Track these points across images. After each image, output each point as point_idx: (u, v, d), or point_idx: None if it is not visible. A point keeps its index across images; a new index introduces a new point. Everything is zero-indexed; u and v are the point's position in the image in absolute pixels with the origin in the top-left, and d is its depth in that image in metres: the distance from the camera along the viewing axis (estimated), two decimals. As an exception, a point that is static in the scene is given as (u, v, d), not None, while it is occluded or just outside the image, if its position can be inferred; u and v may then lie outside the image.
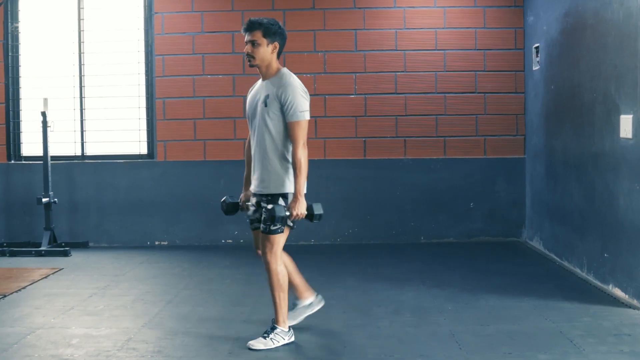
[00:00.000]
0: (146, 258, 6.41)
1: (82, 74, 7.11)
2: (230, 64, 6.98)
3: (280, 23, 3.93)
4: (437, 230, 7.00)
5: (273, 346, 3.83)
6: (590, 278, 5.20)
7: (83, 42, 7.10)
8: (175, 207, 7.03)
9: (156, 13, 7.00)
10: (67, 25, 7.13)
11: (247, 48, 3.86)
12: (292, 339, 3.93)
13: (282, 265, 3.89)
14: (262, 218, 3.86)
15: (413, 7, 6.93)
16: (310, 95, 3.97)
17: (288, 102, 3.79)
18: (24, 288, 5.26)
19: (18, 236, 7.04)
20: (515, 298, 4.80)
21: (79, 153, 7.14)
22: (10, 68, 7.10)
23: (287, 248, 3.99)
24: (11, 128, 7.14)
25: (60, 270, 5.89)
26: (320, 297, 4.25)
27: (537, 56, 6.49)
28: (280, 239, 3.86)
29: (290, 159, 3.83)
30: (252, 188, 3.95)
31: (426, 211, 7.00)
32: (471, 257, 6.25)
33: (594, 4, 5.09)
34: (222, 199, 4.17)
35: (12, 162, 7.14)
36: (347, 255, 6.42)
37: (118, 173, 7.05)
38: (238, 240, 6.98)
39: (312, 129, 6.59)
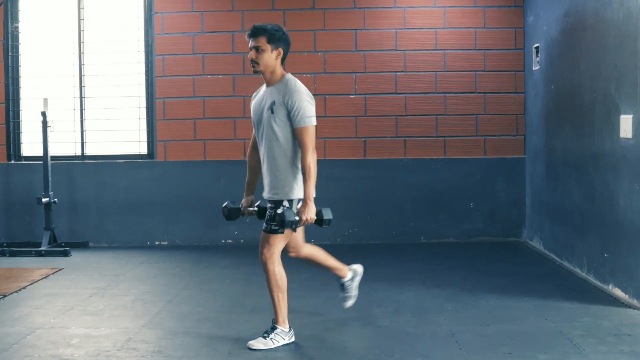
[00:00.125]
0: (146, 258, 6.41)
1: (82, 74, 7.11)
2: (230, 64, 6.98)
3: (285, 29, 3.93)
4: (437, 230, 7.00)
5: (273, 346, 3.83)
6: (590, 278, 5.20)
7: (83, 42, 7.10)
8: (175, 207, 7.03)
9: (156, 13, 7.00)
10: (67, 25, 7.13)
11: (251, 54, 3.86)
12: (292, 339, 3.93)
13: (280, 266, 3.90)
14: (266, 217, 3.88)
15: (413, 7, 6.93)
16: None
17: (295, 108, 3.79)
18: (24, 288, 5.26)
19: (18, 236, 7.04)
20: (515, 298, 4.80)
21: (79, 153, 7.14)
22: (10, 68, 7.10)
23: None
24: (11, 128, 7.14)
25: (60, 270, 5.89)
26: (352, 266, 4.41)
27: (537, 56, 6.49)
28: (279, 241, 3.87)
29: (299, 164, 3.83)
30: (264, 195, 3.95)
31: (426, 211, 7.00)
32: (471, 257, 6.25)
33: (594, 4, 5.09)
34: (224, 205, 4.17)
35: (12, 162, 7.14)
36: (347, 255, 6.39)
37: (118, 173, 7.06)
38: (238, 240, 6.98)
39: (312, 129, 6.60)
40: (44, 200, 6.58)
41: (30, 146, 7.15)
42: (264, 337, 3.86)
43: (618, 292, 4.74)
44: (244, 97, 6.96)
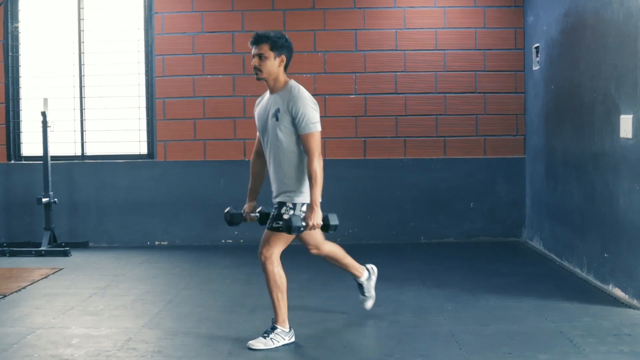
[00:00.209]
0: (146, 258, 6.41)
1: (82, 74, 7.11)
2: (230, 64, 6.98)
3: (287, 36, 3.94)
4: (437, 230, 7.00)
5: (273, 346, 3.84)
6: (590, 278, 5.20)
7: (83, 42, 7.10)
8: (175, 207, 7.03)
9: (156, 13, 7.00)
10: (67, 25, 7.13)
11: (255, 61, 3.87)
12: (293, 339, 3.93)
13: (279, 266, 3.91)
14: (270, 216, 3.93)
15: (413, 7, 6.93)
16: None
17: (299, 115, 3.80)
18: (24, 288, 5.26)
19: (18, 236, 7.04)
20: (515, 298, 4.80)
21: (79, 153, 7.14)
22: (10, 68, 7.10)
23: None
24: (11, 128, 7.14)
25: (60, 270, 5.89)
26: (367, 266, 4.44)
27: (537, 56, 6.49)
28: (280, 242, 3.88)
29: (305, 170, 3.85)
30: (273, 200, 3.97)
31: (426, 211, 7.00)
32: (471, 257, 6.25)
33: (594, 4, 5.09)
34: (226, 210, 4.19)
35: (12, 162, 7.14)
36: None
37: (118, 173, 7.06)
38: (238, 240, 6.98)
39: (312, 129, 6.60)
40: (44, 200, 6.58)
41: (30, 146, 7.15)
42: (264, 337, 3.86)
43: (618, 292, 4.74)
44: (244, 97, 6.96)
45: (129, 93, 7.11)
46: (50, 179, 6.69)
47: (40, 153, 6.83)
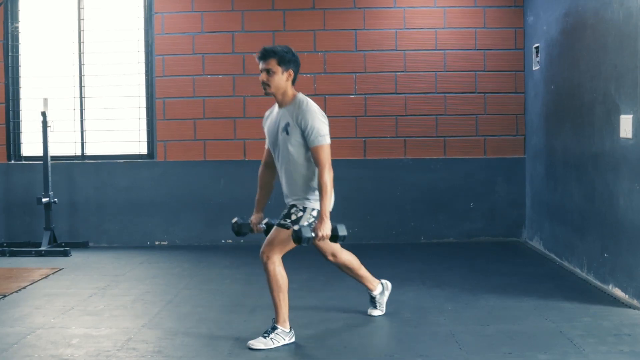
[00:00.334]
0: (146, 258, 6.41)
1: (82, 74, 7.11)
2: (230, 64, 6.98)
3: (294, 50, 3.96)
4: (437, 230, 7.00)
5: (273, 346, 3.84)
6: (590, 278, 5.20)
7: (83, 42, 7.10)
8: (175, 207, 7.03)
9: (156, 13, 7.00)
10: (67, 25, 7.13)
11: (262, 76, 3.90)
12: (293, 339, 3.93)
13: (281, 266, 3.92)
14: (281, 214, 3.97)
15: (413, 7, 6.93)
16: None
17: (308, 128, 3.85)
18: (24, 288, 5.26)
19: (18, 236, 7.04)
20: (515, 298, 4.80)
21: (79, 153, 7.14)
22: (10, 68, 7.10)
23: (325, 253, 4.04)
24: (11, 128, 7.14)
25: (60, 270, 5.89)
26: (382, 281, 4.48)
27: (537, 56, 6.49)
28: (283, 244, 3.90)
29: (315, 182, 3.92)
30: (286, 201, 4.04)
31: (426, 211, 7.00)
32: (471, 257, 6.25)
33: (594, 4, 5.09)
34: (234, 220, 4.21)
35: (12, 162, 7.14)
36: (347, 255, 6.41)
37: (118, 173, 7.06)
38: (238, 240, 6.98)
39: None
40: (44, 200, 6.58)
41: (30, 146, 7.15)
42: (264, 337, 3.86)
43: (618, 292, 4.74)
44: (244, 97, 6.96)
45: (129, 93, 7.11)
46: (50, 179, 6.69)
47: (40, 153, 6.84)
